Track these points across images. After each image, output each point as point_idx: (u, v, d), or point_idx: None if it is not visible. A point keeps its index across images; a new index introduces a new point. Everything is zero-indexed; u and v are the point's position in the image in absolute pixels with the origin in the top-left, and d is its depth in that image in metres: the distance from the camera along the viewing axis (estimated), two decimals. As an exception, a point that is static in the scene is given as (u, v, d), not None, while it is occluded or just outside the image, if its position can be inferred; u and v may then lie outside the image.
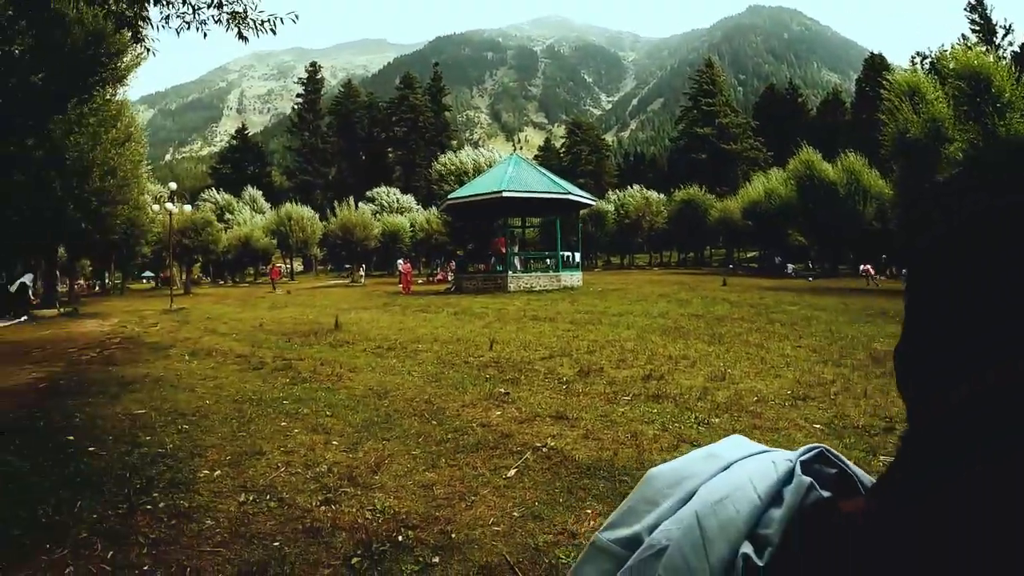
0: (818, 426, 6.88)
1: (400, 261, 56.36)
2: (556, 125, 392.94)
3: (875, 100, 53.83)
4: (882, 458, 5.85)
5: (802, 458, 0.83)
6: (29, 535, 4.73)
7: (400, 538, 4.47)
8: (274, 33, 10.08)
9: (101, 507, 5.20)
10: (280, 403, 8.60)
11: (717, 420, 7.15)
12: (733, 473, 0.88)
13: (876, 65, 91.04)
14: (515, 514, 4.83)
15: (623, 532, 0.92)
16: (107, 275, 64.89)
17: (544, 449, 6.32)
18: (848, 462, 0.83)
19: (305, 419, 7.75)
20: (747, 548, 0.75)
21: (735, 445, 0.95)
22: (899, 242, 50.76)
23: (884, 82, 35.05)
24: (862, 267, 43.21)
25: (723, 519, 0.79)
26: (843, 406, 7.64)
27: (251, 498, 5.28)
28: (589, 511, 4.84)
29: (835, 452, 0.84)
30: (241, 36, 9.97)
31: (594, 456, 6.05)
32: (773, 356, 11.09)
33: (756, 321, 16.56)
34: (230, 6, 9.84)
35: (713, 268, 69.32)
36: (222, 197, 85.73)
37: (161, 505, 5.19)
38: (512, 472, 5.71)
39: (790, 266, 55.95)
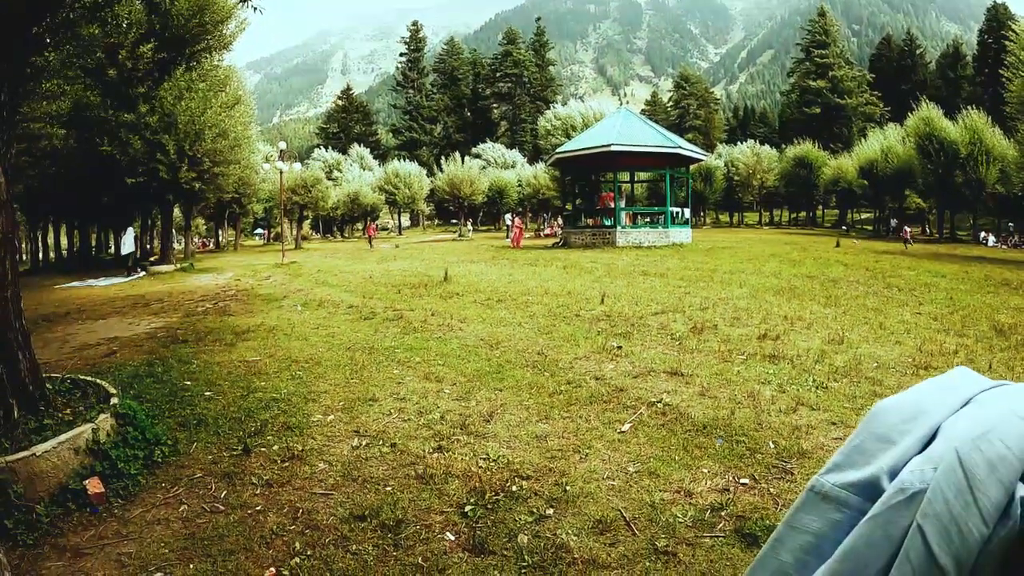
0: (940, 398, 6.47)
1: (508, 216, 56.48)
2: (663, 78, 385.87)
3: (999, 53, 51.01)
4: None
5: None
6: (145, 474, 4.81)
7: (514, 488, 4.38)
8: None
9: (216, 449, 5.31)
10: (392, 351, 8.64)
11: (836, 384, 6.83)
12: (986, 406, 0.75)
13: (1000, 15, 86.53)
14: (630, 469, 4.70)
15: (853, 475, 0.82)
16: (220, 232, 67.03)
17: (659, 405, 6.16)
18: None
19: (417, 367, 7.75)
20: None
21: (967, 378, 0.83)
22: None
23: (1010, 34, 32.90)
24: (903, 229, 41.06)
25: (991, 456, 0.67)
26: (967, 378, 7.17)
27: (364, 443, 5.28)
28: (705, 470, 4.69)
29: None
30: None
31: (710, 415, 5.86)
32: (892, 322, 10.56)
33: (872, 285, 15.91)
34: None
35: (825, 229, 67.39)
36: (330, 155, 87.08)
37: (275, 448, 5.25)
38: (627, 427, 5.57)
39: (907, 229, 53.76)
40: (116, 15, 15.56)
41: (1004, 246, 47.64)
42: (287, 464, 4.91)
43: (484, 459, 4.87)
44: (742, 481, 4.51)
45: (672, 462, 4.82)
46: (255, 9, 11.01)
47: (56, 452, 4.50)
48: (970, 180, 46.42)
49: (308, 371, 7.72)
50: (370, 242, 47.68)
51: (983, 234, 51.74)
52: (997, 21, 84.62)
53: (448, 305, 12.80)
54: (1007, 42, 33.02)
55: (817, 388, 6.71)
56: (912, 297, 13.89)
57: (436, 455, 4.98)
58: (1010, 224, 57.02)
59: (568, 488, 4.38)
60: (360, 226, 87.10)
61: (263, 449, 5.21)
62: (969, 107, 49.66)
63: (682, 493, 4.33)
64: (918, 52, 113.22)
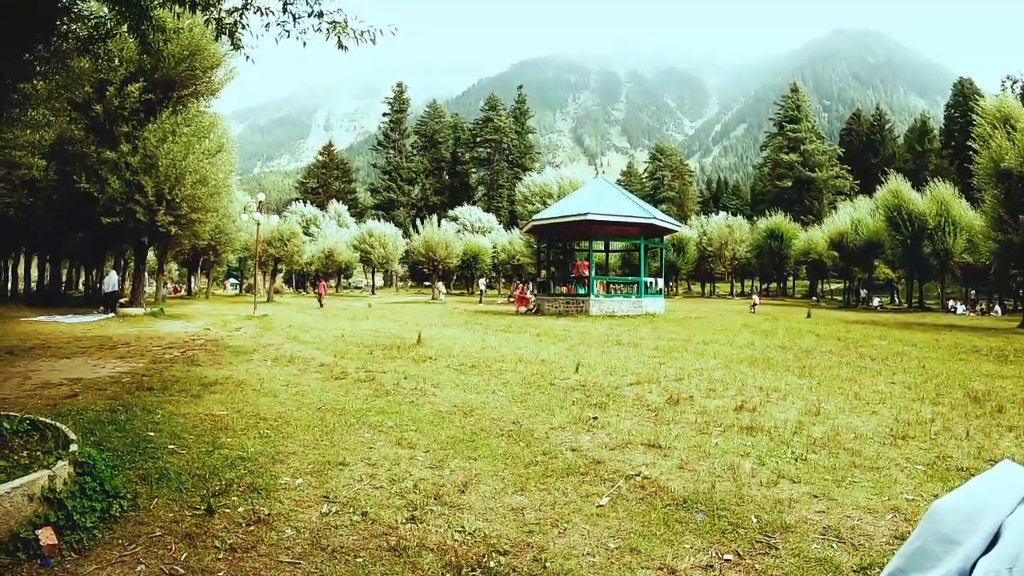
0: (920, 467, 6.50)
1: (483, 281, 57.23)
2: (639, 149, 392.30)
3: (965, 127, 52.62)
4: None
5: None
6: (102, 528, 4.61)
7: (491, 563, 4.21)
8: (374, 43, 9.99)
9: (177, 506, 5.10)
10: (363, 414, 8.47)
11: (815, 456, 6.78)
12: None
13: (965, 90, 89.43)
14: (610, 545, 4.55)
15: None
16: (193, 279, 66.69)
17: (637, 478, 6.03)
18: None
19: (389, 432, 7.58)
20: None
21: (1016, 473, 0.84)
22: (993, 275, 49.53)
23: (975, 108, 34.02)
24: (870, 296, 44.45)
25: None
26: (944, 446, 7.27)
27: (333, 510, 5.09)
28: (688, 546, 4.56)
29: None
30: (341, 45, 9.95)
31: (690, 488, 5.75)
32: (867, 392, 10.64)
33: (845, 355, 16.09)
34: (330, 15, 9.85)
35: (796, 299, 68.25)
36: (308, 210, 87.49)
37: (240, 510, 5.04)
38: (605, 500, 5.44)
39: (877, 299, 54.77)
40: (108, 50, 15.56)
41: (972, 313, 48.70)
42: (252, 528, 4.70)
43: (459, 531, 4.69)
44: (726, 557, 4.38)
45: (653, 538, 4.69)
46: (247, 58, 11.04)
47: (8, 497, 4.28)
48: (938, 250, 48.04)
49: (276, 430, 7.52)
50: (319, 300, 45.79)
51: (952, 302, 52.90)
52: (963, 95, 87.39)
53: (421, 369, 12.65)
54: (973, 115, 34.22)
55: (797, 460, 6.65)
56: (885, 366, 14.03)
57: (409, 526, 4.79)
58: (973, 292, 58.23)
59: (548, 564, 4.22)
60: (334, 283, 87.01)
61: (227, 510, 5.00)
62: (936, 179, 51.46)
63: (665, 570, 4.19)
64: (887, 126, 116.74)
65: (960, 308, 50.74)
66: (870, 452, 6.96)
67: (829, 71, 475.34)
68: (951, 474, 6.24)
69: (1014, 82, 74.65)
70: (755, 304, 41.69)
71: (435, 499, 5.38)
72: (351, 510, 5.08)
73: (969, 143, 34.16)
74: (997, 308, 51.47)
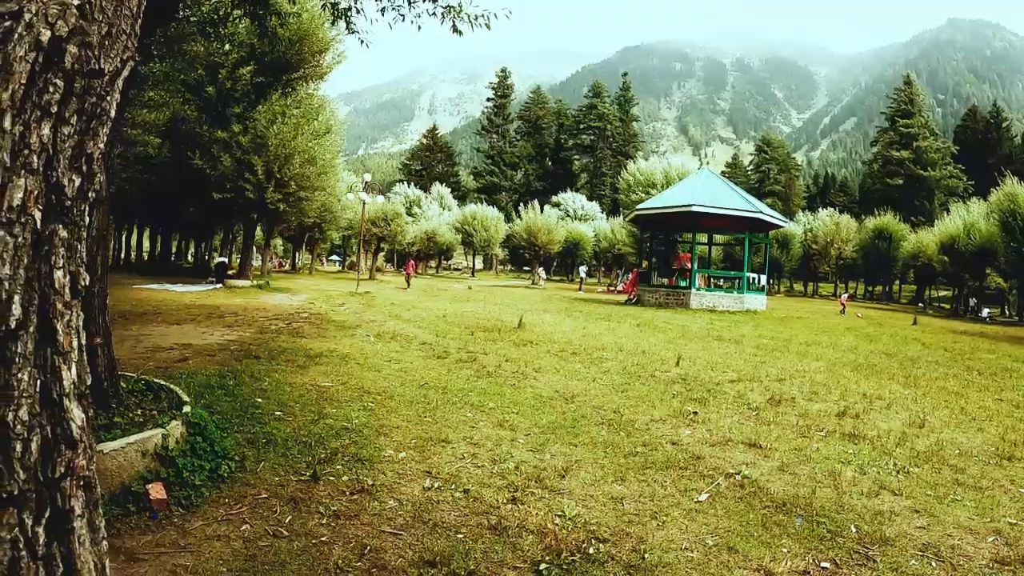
0: (1024, 490, 6.20)
1: (583, 268, 57.33)
2: (744, 141, 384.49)
3: None
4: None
5: None
6: (210, 487, 4.77)
7: (590, 550, 4.21)
8: (488, 28, 10.04)
9: (283, 471, 5.25)
10: (465, 394, 8.56)
11: (918, 470, 6.56)
12: None
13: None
14: (708, 542, 4.51)
15: None
16: (298, 254, 68.32)
17: (737, 476, 5.95)
18: None
19: (491, 413, 7.66)
20: None
21: None
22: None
23: None
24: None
25: None
26: (1053, 471, 6.90)
27: (435, 485, 5.17)
28: (785, 550, 4.49)
29: None
30: (456, 30, 10.01)
31: (790, 492, 5.64)
32: (973, 407, 10.19)
33: (952, 366, 15.45)
34: (445, 0, 9.90)
35: (902, 305, 66.03)
36: (412, 192, 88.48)
37: (344, 478, 5.16)
38: (704, 497, 5.38)
39: (986, 310, 52.43)
40: (222, 35, 16.10)
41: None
42: (356, 497, 4.81)
43: (560, 516, 4.71)
44: (823, 565, 4.29)
45: (751, 538, 4.62)
46: (362, 42, 11.22)
47: (123, 452, 4.51)
48: None
49: (380, 404, 7.67)
50: (407, 280, 42.85)
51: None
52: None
53: (522, 352, 12.71)
54: None
55: (899, 472, 6.46)
56: (993, 381, 13.43)
57: (510, 506, 4.83)
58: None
59: (646, 556, 4.20)
60: (434, 264, 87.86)
61: (332, 478, 5.13)
62: None
63: (762, 572, 4.12)
64: (1004, 124, 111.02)
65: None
66: (974, 470, 6.70)
67: (943, 64, 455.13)
68: (1060, 503, 5.98)
69: None
70: (843, 307, 40.30)
71: (536, 482, 5.41)
72: (453, 487, 5.15)
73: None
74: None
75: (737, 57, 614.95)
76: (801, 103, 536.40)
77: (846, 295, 48.33)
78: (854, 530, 4.88)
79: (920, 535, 4.89)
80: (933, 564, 4.39)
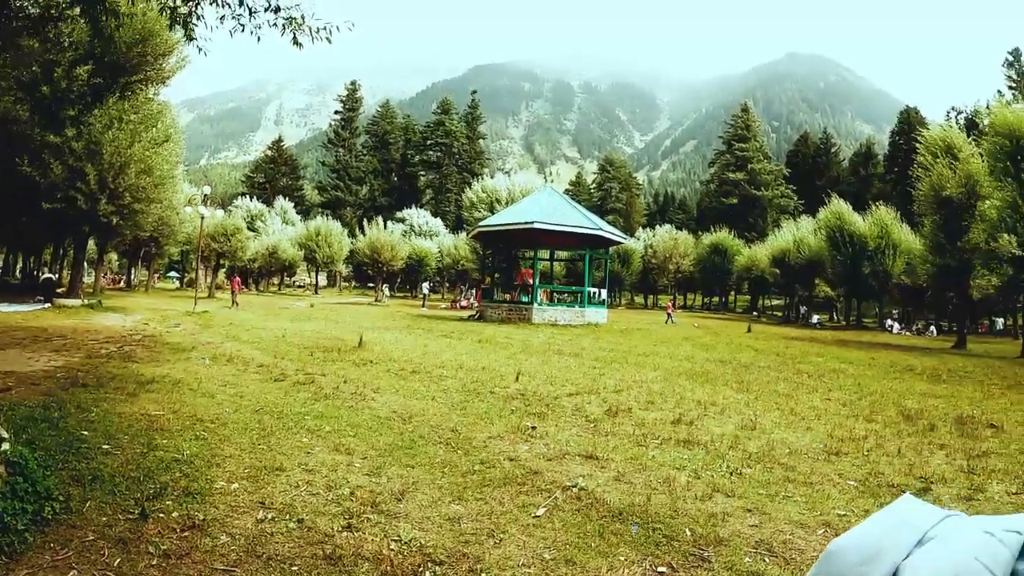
0: (852, 483, 6.67)
1: (426, 284, 57.24)
2: (588, 160, 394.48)
3: (909, 154, 54.41)
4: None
5: None
6: (33, 531, 4.52)
7: (427, 574, 4.23)
8: (329, 42, 9.92)
9: (111, 510, 5.00)
10: (302, 418, 8.40)
11: (750, 471, 6.92)
12: (944, 548, 0.75)
13: (911, 119, 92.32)
14: (546, 556, 4.60)
15: None
16: (133, 271, 65.42)
17: (574, 489, 6.08)
18: None
19: (327, 437, 7.54)
20: None
21: (917, 511, 0.83)
22: (930, 297, 50.93)
23: (919, 137, 35.33)
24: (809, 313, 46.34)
25: None
26: (877, 463, 7.47)
27: (269, 516, 5.05)
28: (622, 558, 4.61)
29: None
30: (296, 42, 9.85)
31: (626, 500, 5.81)
32: (802, 407, 10.92)
33: (783, 370, 16.46)
34: (287, 11, 9.74)
35: (737, 314, 69.30)
36: (254, 205, 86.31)
37: (174, 514, 4.97)
38: (541, 511, 5.47)
39: (816, 317, 55.89)
40: (59, 32, 15.27)
41: (908, 333, 50.03)
42: (187, 534, 4.64)
43: (396, 540, 4.69)
44: (660, 570, 4.46)
45: (588, 549, 4.74)
46: (200, 50, 10.90)
47: (-63, 498, 4.20)
48: (877, 271, 49.43)
49: (213, 432, 7.42)
50: (233, 298, 39.43)
51: (889, 322, 54.30)
52: (908, 123, 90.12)
53: (361, 372, 12.61)
54: (916, 144, 35.49)
55: (732, 474, 6.78)
56: (822, 383, 14.40)
57: (345, 534, 4.77)
58: (908, 309, 59.88)
59: (483, 575, 4.25)
60: (277, 281, 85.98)
61: (162, 515, 4.92)
62: (878, 203, 52.84)
63: (599, 583, 4.24)
64: (833, 150, 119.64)
65: (897, 328, 52.10)
66: (804, 467, 7.12)
67: (780, 93, 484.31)
68: (882, 490, 6.43)
69: (958, 113, 77.20)
70: (669, 316, 42.05)
71: (372, 507, 5.36)
72: (287, 517, 5.05)
73: (911, 170, 35.36)
74: (933, 329, 52.95)
75: (585, 80, 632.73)
76: (644, 126, 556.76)
77: (670, 303, 50.97)
78: (689, 533, 5.08)
79: (753, 533, 5.14)
80: (766, 560, 4.63)
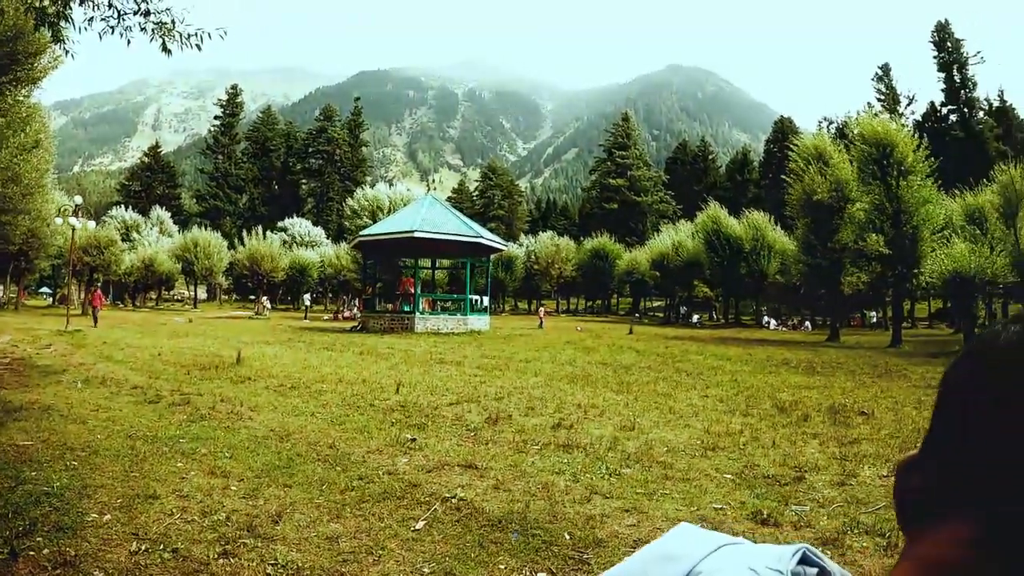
0: (729, 476, 6.97)
1: (307, 296, 56.39)
2: (471, 168, 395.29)
3: (782, 161, 57.04)
4: (793, 507, 5.96)
5: (792, 567, 0.70)
6: None
7: (303, 597, 4.26)
8: (199, 49, 9.77)
9: (-23, 550, 4.84)
10: (176, 441, 8.21)
11: (628, 471, 7.14)
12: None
13: (785, 128, 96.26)
14: (425, 570, 4.67)
15: None
16: (1, 288, 62.19)
17: (453, 500, 6.18)
18: (827, 560, 0.73)
19: (203, 460, 7.40)
20: None
21: (689, 540, 0.81)
22: (800, 296, 53.34)
23: (792, 145, 37.37)
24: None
25: None
26: (752, 456, 7.82)
27: (143, 547, 4.96)
28: (503, 566, 4.72)
29: (815, 551, 0.73)
30: (165, 49, 9.65)
31: (505, 508, 5.93)
32: (681, 406, 11.30)
33: (663, 370, 16.92)
34: (157, 16, 9.54)
35: (619, 316, 70.62)
36: (129, 216, 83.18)
37: (45, 551, 4.84)
38: (420, 524, 5.54)
39: (696, 316, 57.75)
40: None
41: (784, 328, 52.13)
42: (59, 571, 4.54)
43: (272, 565, 4.70)
44: (539, 575, 4.58)
45: (468, 560, 4.83)
46: (67, 52, 10.60)
47: None
48: (753, 271, 51.46)
49: (84, 461, 7.20)
50: (94, 315, 35.48)
51: (766, 318, 56.41)
52: (782, 132, 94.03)
53: (239, 390, 12.40)
54: (790, 151, 37.56)
55: (610, 476, 6.97)
56: (700, 380, 14.92)
57: (222, 561, 4.75)
58: (783, 305, 62.34)
59: (359, 595, 4.31)
60: (154, 295, 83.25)
61: (32, 553, 4.79)
62: (753, 207, 55.15)
63: (477, 594, 4.35)
64: (710, 157, 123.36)
65: (773, 324, 54.26)
66: (681, 464, 7.39)
67: (660, 103, 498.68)
68: (758, 482, 6.78)
69: (830, 123, 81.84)
70: (541, 321, 42.69)
71: (248, 531, 5.33)
72: (161, 547, 4.97)
73: (785, 176, 37.24)
74: (807, 323, 55.38)
75: (470, 88, 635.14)
76: (527, 134, 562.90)
77: (543, 309, 51.76)
78: (568, 537, 5.22)
79: (631, 532, 5.31)
80: (645, 558, 4.80)
